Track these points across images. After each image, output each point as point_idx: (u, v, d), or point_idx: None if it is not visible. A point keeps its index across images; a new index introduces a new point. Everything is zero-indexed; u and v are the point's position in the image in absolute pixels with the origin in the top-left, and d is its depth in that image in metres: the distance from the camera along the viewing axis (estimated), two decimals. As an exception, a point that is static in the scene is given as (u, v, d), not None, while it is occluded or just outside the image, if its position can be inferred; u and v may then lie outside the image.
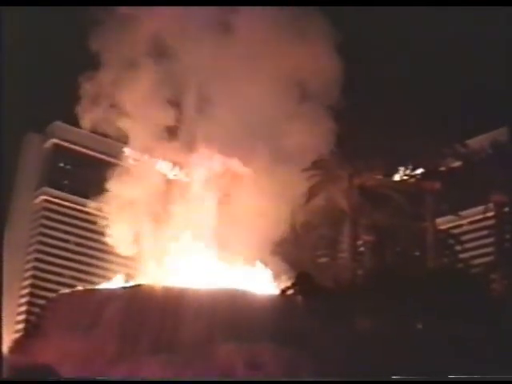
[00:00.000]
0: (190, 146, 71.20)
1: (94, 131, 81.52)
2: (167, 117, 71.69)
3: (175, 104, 72.26)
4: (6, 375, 39.17)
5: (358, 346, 50.97)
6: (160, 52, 71.54)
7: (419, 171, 70.45)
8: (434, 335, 52.86)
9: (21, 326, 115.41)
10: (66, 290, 71.09)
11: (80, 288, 69.83)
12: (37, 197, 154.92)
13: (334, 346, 51.76)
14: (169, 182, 72.70)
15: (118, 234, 70.33)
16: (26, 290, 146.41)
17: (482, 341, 51.63)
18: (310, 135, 66.93)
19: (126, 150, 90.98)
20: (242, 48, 69.88)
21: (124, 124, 70.66)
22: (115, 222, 70.07)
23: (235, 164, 69.11)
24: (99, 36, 69.12)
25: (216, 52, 70.55)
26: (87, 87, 70.80)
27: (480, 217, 79.63)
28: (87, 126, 72.97)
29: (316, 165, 67.09)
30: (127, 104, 70.09)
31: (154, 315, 55.69)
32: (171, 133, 71.87)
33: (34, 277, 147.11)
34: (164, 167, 73.97)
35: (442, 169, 70.50)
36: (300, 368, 50.23)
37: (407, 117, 66.05)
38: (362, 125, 67.53)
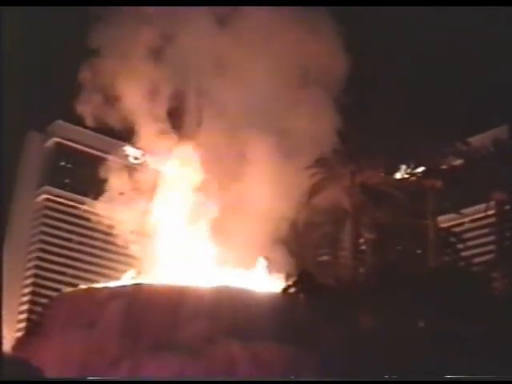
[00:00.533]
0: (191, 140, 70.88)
1: (95, 128, 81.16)
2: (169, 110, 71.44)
3: (177, 97, 71.98)
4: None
5: (360, 345, 51.01)
6: (161, 42, 71.29)
7: (421, 169, 70.41)
8: (435, 334, 52.91)
9: (23, 325, 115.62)
10: (68, 289, 71.07)
11: (82, 287, 69.65)
12: (38, 196, 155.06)
13: (337, 345, 51.80)
14: (170, 180, 72.11)
15: (120, 231, 70.36)
16: (28, 289, 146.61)
17: (482, 339, 51.69)
18: (312, 132, 66.81)
19: (128, 149, 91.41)
20: (245, 40, 69.67)
21: (125, 118, 70.35)
22: (116, 220, 70.06)
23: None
24: (99, 31, 68.86)
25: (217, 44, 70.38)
26: (87, 78, 70.36)
27: (481, 215, 79.50)
28: (88, 119, 72.40)
29: (318, 163, 67.00)
30: (128, 98, 69.83)
31: (155, 314, 55.61)
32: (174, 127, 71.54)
33: (36, 275, 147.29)
34: (165, 164, 73.39)
35: (444, 167, 70.48)
36: (302, 366, 50.22)
37: (409, 115, 66.13)
38: (363, 123, 67.30)
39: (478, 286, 60.64)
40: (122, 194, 70.13)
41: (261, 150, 67.11)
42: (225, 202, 66.34)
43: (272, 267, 64.74)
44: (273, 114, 68.17)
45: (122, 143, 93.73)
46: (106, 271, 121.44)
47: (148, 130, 70.37)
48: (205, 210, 67.05)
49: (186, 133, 71.76)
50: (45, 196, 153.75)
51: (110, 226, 72.04)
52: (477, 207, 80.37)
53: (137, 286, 59.97)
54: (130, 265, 77.15)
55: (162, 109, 71.01)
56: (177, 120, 72.11)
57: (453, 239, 73.88)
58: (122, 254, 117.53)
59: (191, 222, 67.47)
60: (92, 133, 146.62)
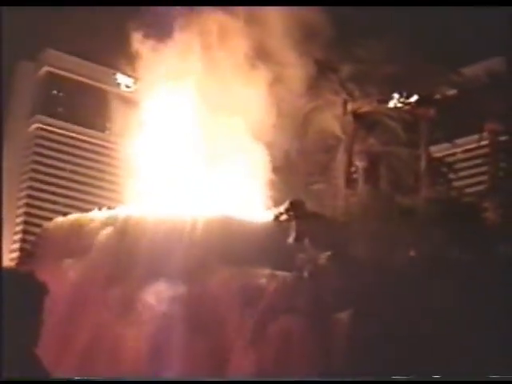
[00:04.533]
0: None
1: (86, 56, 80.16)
2: None
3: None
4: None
5: (350, 272, 51.42)
6: None
7: (414, 98, 70.09)
8: (427, 262, 53.32)
9: (16, 255, 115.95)
10: (60, 218, 70.81)
11: (74, 215, 69.40)
12: (30, 125, 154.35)
13: (328, 272, 52.28)
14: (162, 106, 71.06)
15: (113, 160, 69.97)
16: (20, 218, 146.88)
17: (474, 268, 52.15)
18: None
19: (119, 77, 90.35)
20: None
21: None
22: (109, 148, 69.63)
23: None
24: None
25: None
26: None
27: (474, 145, 79.49)
28: None
29: (310, 91, 66.59)
30: None
31: (147, 242, 55.63)
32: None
33: (28, 205, 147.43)
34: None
35: (437, 97, 70.24)
36: (293, 293, 50.57)
37: (402, 44, 65.32)
38: (356, 51, 66.55)
39: (471, 215, 61.04)
40: (114, 122, 69.42)
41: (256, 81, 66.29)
42: (218, 130, 65.62)
43: (264, 195, 64.55)
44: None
45: (114, 71, 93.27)
46: (98, 200, 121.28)
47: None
48: (198, 138, 66.46)
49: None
50: (37, 125, 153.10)
51: (103, 155, 71.63)
52: (470, 138, 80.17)
53: (130, 215, 59.93)
54: (122, 194, 76.87)
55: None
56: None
57: (445, 169, 73.96)
58: (114, 183, 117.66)
59: (184, 150, 66.97)
60: (83, 61, 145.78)
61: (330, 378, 44.66)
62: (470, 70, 78.99)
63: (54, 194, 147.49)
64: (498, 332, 47.35)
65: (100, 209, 66.33)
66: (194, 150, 65.63)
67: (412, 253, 55.81)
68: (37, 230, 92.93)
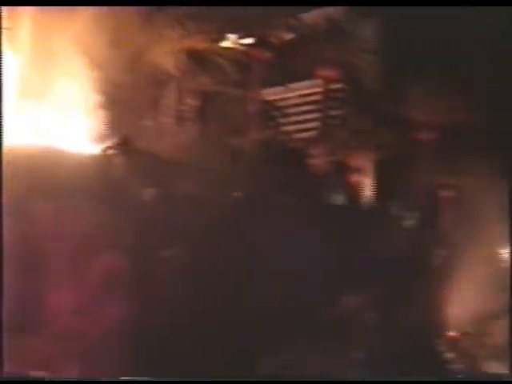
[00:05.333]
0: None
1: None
2: None
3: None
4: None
5: (175, 209, 51.80)
6: None
7: (249, 40, 69.85)
8: (250, 203, 54.25)
9: None
10: None
11: None
12: None
13: (153, 209, 52.41)
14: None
15: None
16: None
17: (298, 213, 53.45)
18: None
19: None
20: None
21: None
22: None
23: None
24: None
25: None
26: None
27: (307, 91, 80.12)
28: None
29: (145, 24, 65.10)
30: None
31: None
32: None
33: None
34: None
35: (273, 40, 70.29)
36: (118, 228, 50.30)
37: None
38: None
39: (296, 160, 62.38)
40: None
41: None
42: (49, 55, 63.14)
43: (92, 128, 63.01)
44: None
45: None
46: None
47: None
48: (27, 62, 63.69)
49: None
50: None
51: None
52: (303, 83, 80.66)
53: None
54: None
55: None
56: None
57: (276, 113, 74.37)
58: None
59: (12, 76, 64.23)
60: None
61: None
62: (308, 16, 79.10)
63: None
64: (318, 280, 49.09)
65: None
66: (21, 75, 63.16)
67: (236, 193, 56.58)
68: None
